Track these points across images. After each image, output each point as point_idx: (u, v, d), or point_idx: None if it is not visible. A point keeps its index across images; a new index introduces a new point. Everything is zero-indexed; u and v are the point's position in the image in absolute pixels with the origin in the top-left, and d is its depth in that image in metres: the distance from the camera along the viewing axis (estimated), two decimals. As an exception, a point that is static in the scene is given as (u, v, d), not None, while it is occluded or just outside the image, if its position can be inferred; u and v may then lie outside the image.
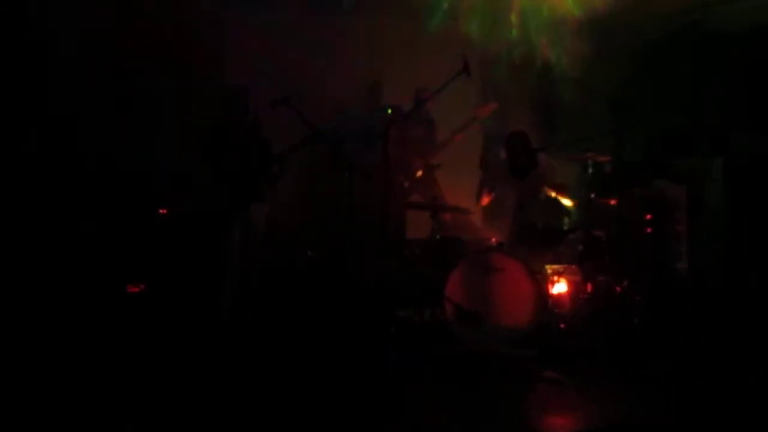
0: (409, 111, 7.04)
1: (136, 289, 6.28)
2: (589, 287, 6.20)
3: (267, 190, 6.20)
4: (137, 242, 6.41)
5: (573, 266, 6.34)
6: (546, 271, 6.28)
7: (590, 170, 6.33)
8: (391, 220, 6.16)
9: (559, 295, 6.24)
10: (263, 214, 6.16)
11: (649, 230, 6.58)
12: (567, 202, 6.49)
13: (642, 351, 5.71)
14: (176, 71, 6.80)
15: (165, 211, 6.41)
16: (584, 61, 7.05)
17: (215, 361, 5.54)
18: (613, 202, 6.37)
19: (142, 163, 6.66)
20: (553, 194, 6.50)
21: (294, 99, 5.89)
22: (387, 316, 5.97)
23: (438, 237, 6.48)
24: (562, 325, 6.06)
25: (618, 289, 6.17)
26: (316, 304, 6.46)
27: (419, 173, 7.63)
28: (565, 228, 6.44)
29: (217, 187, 6.01)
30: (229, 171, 6.01)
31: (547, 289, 6.16)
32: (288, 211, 6.72)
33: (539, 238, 6.34)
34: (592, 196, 6.35)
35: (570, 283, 6.30)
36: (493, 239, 6.46)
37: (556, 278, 6.28)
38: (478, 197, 6.98)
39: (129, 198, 6.56)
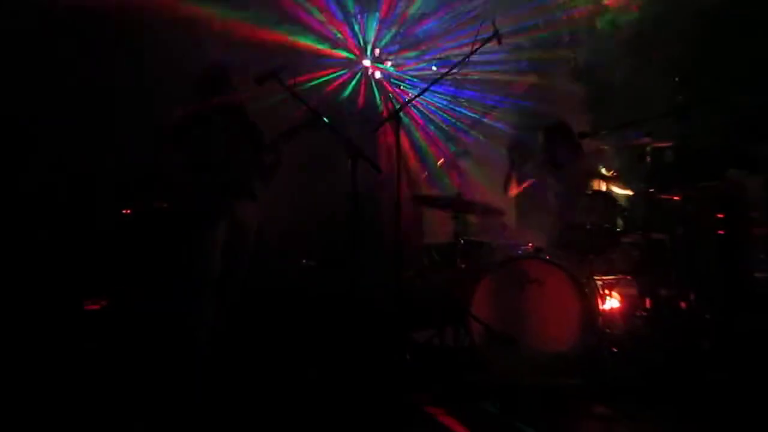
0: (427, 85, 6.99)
1: (96, 306, 6.27)
2: (648, 303, 6.23)
3: (258, 185, 6.05)
4: (96, 250, 6.43)
5: (628, 277, 6.37)
6: (595, 282, 6.22)
7: (648, 159, 6.29)
8: (406, 221, 6.07)
9: (611, 313, 6.24)
10: (255, 216, 6.02)
11: (721, 232, 6.54)
12: (620, 191, 6.50)
13: (713, 382, 5.54)
14: (140, 46, 6.87)
15: (129, 212, 6.24)
16: (643, 24, 7.10)
17: (188, 395, 5.48)
18: (676, 198, 6.33)
19: (100, 157, 6.67)
20: (604, 186, 6.49)
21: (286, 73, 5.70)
22: (400, 340, 5.90)
23: (462, 241, 6.42)
24: (614, 350, 5.99)
25: (683, 304, 6.14)
26: (313, 326, 6.45)
27: (440, 161, 7.58)
28: (619, 230, 6.31)
29: (194, 182, 5.85)
30: (207, 162, 5.84)
31: (597, 305, 6.09)
32: (276, 211, 6.56)
33: (587, 242, 6.25)
34: (651, 190, 6.32)
35: (624, 297, 6.33)
36: (530, 244, 6.40)
37: (607, 291, 6.25)
38: (506, 186, 7.01)
39: (85, 198, 6.59)
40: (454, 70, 6.72)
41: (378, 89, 7.83)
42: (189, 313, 5.77)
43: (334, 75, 7.57)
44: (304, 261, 6.87)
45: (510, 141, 7.54)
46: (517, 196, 7.05)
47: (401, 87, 7.60)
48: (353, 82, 7.75)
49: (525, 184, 6.94)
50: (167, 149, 5.99)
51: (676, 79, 7.01)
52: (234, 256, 5.83)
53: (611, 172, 6.51)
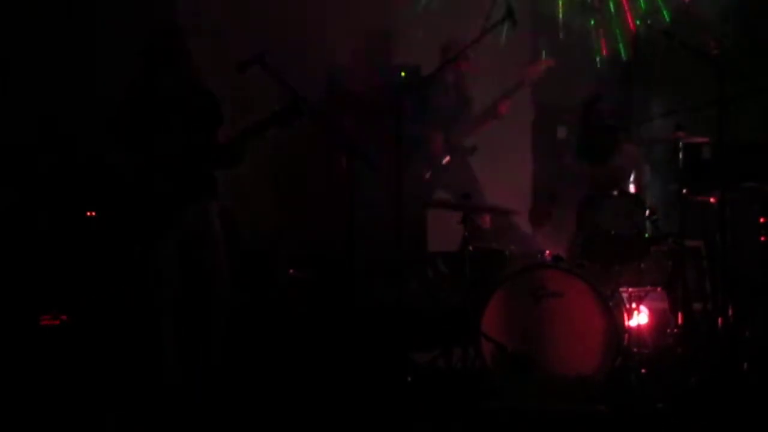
0: (431, 72, 7.05)
1: (55, 322, 6.23)
2: (680, 318, 6.24)
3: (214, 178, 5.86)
4: (56, 257, 6.40)
5: (658, 289, 6.34)
6: (621, 296, 6.23)
7: (681, 156, 6.30)
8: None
9: (640, 330, 6.24)
10: (216, 216, 5.84)
11: (763, 239, 6.50)
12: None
13: (753, 407, 5.56)
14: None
15: (94, 214, 6.26)
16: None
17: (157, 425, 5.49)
18: (713, 200, 6.33)
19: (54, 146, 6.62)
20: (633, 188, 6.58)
21: (273, 60, 5.72)
22: (401, 360, 5.92)
23: (471, 249, 6.40)
24: (642, 371, 6.01)
25: (720, 320, 6.08)
26: (301, 346, 6.43)
27: (446, 159, 7.61)
28: (648, 236, 6.35)
29: (134, 182, 5.66)
30: (151, 155, 5.61)
31: (623, 322, 6.10)
32: (260, 215, 6.60)
33: (612, 250, 6.26)
34: (685, 191, 6.33)
35: (654, 312, 6.33)
36: (548, 252, 6.40)
37: (634, 306, 6.25)
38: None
39: (41, 199, 6.56)
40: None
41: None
42: (148, 341, 5.71)
43: None
44: (291, 271, 6.89)
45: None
46: (535, 195, 7.08)
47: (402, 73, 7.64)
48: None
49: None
50: (106, 141, 5.79)
51: (717, 65, 7.05)
52: (198, 272, 5.70)
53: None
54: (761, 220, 6.49)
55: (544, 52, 7.88)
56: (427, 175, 7.57)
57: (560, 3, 7.62)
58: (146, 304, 5.68)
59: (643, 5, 7.39)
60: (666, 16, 7.46)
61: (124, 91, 5.72)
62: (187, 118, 5.66)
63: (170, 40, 5.70)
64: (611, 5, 7.52)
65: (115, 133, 5.68)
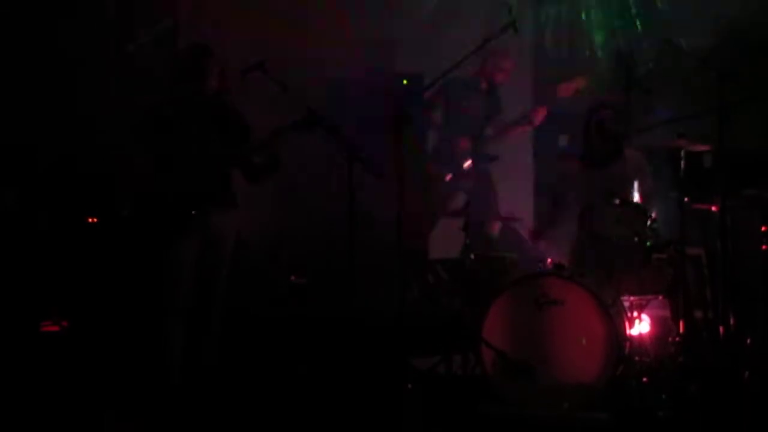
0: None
1: (55, 328, 6.22)
2: (682, 326, 6.18)
3: (235, 191, 6.01)
4: (56, 263, 6.40)
5: (660, 297, 6.35)
6: (622, 304, 6.24)
7: (683, 163, 6.26)
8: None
9: (641, 338, 6.24)
10: (234, 226, 5.98)
11: (765, 247, 6.44)
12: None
13: (754, 415, 5.57)
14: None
15: (95, 220, 6.25)
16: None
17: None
18: (714, 208, 6.33)
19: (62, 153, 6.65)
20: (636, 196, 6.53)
21: (274, 67, 5.79)
22: (402, 367, 5.90)
23: (472, 256, 6.44)
24: (644, 379, 6.00)
25: (722, 329, 6.09)
26: (303, 353, 6.42)
27: (467, 164, 7.63)
28: (649, 244, 6.34)
29: (160, 188, 5.79)
30: (178, 162, 5.77)
31: (624, 329, 6.10)
32: (260, 221, 6.60)
33: (614, 258, 6.27)
34: (686, 199, 6.30)
35: (655, 320, 6.33)
36: (549, 259, 6.41)
37: (636, 314, 6.25)
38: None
39: (42, 204, 6.57)
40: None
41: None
42: (156, 343, 5.74)
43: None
44: (293, 278, 6.86)
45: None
46: (537, 204, 7.06)
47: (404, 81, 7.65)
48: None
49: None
50: (131, 147, 5.93)
51: (719, 72, 7.04)
52: (209, 275, 5.80)
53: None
54: (762, 228, 6.43)
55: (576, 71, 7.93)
56: (448, 178, 7.59)
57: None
58: (158, 304, 5.74)
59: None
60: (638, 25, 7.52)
61: (151, 101, 5.93)
62: (208, 130, 5.81)
63: (198, 58, 5.86)
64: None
65: (140, 139, 5.85)
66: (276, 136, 5.84)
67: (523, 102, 7.92)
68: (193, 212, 5.74)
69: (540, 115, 7.67)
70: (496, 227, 6.97)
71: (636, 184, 6.61)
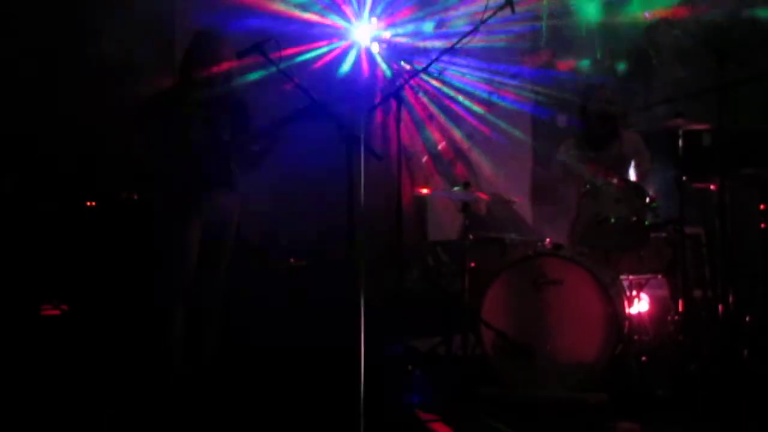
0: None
1: (56, 312, 6.23)
2: (681, 305, 6.21)
3: (238, 173, 6.01)
4: (56, 247, 6.39)
5: (658, 276, 6.38)
6: (621, 283, 6.27)
7: (681, 142, 6.26)
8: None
9: (640, 317, 6.26)
10: (236, 208, 5.98)
11: (763, 226, 6.43)
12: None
13: (754, 395, 5.53)
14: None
15: (95, 204, 6.25)
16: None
17: (161, 417, 5.48)
18: (713, 187, 6.34)
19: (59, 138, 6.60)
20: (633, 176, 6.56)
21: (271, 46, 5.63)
22: (401, 349, 5.89)
23: (471, 237, 6.43)
24: (643, 359, 6.04)
25: (721, 307, 5.95)
26: (302, 336, 6.41)
27: (441, 145, 7.64)
28: (648, 223, 6.35)
29: (164, 169, 5.80)
30: (182, 145, 5.76)
31: (623, 309, 6.11)
32: (259, 203, 6.60)
33: (613, 238, 6.30)
34: (684, 178, 6.29)
35: (654, 299, 6.34)
36: (548, 239, 6.45)
37: (635, 293, 6.28)
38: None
39: (42, 187, 6.56)
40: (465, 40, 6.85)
41: (376, 62, 7.86)
42: (158, 326, 5.73)
43: (326, 49, 7.61)
44: (292, 260, 6.85)
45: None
46: (534, 185, 7.07)
47: (401, 62, 7.61)
48: (350, 56, 7.78)
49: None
50: (136, 129, 5.92)
51: (717, 50, 7.03)
52: (212, 258, 5.80)
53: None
54: (761, 206, 6.43)
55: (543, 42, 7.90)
56: (424, 159, 7.57)
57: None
58: (160, 286, 5.73)
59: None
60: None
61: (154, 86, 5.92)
62: (212, 114, 5.79)
63: (206, 43, 5.83)
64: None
65: (145, 123, 5.84)
66: (279, 126, 5.80)
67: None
68: (198, 194, 5.73)
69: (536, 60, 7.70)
70: (482, 206, 6.92)
71: (634, 164, 6.66)
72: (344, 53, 7.72)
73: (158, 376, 5.68)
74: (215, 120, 5.84)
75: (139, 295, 6.15)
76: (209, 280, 5.82)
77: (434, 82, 7.59)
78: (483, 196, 6.57)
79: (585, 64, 7.88)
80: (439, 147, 7.63)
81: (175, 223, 5.72)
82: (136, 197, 6.50)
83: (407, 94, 7.39)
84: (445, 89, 7.75)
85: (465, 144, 7.67)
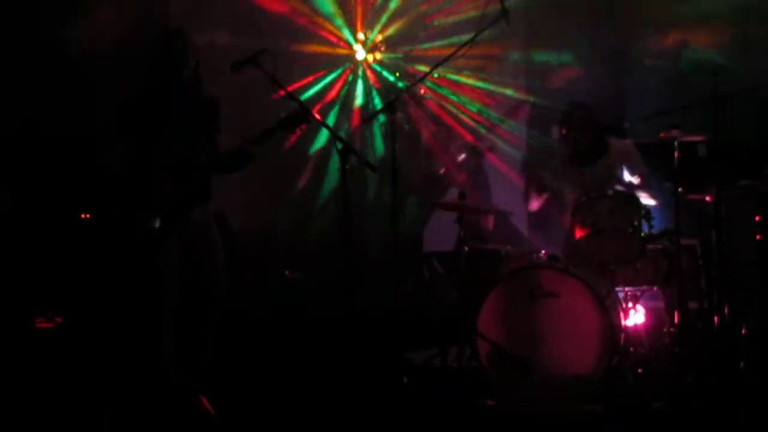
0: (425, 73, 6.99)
1: (49, 325, 6.22)
2: (677, 317, 6.22)
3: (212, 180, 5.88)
4: (50, 259, 6.41)
5: (654, 288, 6.41)
6: (617, 295, 6.27)
7: (677, 154, 6.26)
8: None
9: (636, 329, 6.28)
10: (211, 217, 5.87)
11: (759, 237, 6.49)
12: (648, 200, 6.54)
13: (750, 406, 5.55)
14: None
15: (89, 216, 6.27)
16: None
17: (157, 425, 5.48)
18: (709, 198, 6.34)
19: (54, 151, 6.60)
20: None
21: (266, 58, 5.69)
22: (397, 360, 5.90)
23: (467, 249, 6.44)
24: (639, 370, 6.05)
25: (716, 319, 6.14)
26: (297, 346, 6.42)
27: (461, 157, 7.64)
28: (644, 235, 6.37)
29: (136, 182, 5.67)
30: (154, 155, 5.64)
31: (620, 321, 6.12)
32: (255, 215, 6.61)
33: (608, 250, 6.30)
34: (680, 190, 6.31)
35: (650, 311, 6.39)
36: (543, 251, 6.46)
37: (630, 305, 6.30)
38: (526, 198, 7.01)
39: (36, 200, 6.55)
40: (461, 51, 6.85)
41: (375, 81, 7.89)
42: (148, 338, 5.69)
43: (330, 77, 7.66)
44: (287, 272, 6.84)
45: (522, 164, 7.56)
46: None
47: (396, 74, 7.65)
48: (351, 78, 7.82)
49: (545, 197, 6.95)
50: (107, 140, 5.82)
51: (713, 64, 7.07)
52: (200, 270, 5.72)
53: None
54: (757, 218, 6.48)
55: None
56: (441, 171, 7.60)
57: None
58: (148, 304, 5.67)
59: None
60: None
61: (126, 92, 5.73)
62: (190, 122, 5.67)
63: (174, 44, 5.67)
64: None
65: (117, 134, 5.74)
66: (268, 135, 5.72)
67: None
68: (171, 208, 5.63)
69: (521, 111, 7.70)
70: (490, 220, 6.97)
71: (627, 170, 6.68)
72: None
73: (153, 387, 5.65)
74: (189, 132, 5.70)
75: (129, 310, 6.15)
76: (203, 293, 5.75)
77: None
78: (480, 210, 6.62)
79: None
80: (459, 159, 7.66)
81: (154, 237, 5.60)
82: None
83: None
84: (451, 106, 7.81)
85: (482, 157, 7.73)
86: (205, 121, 5.75)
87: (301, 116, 5.64)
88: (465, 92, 8.02)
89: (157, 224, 5.53)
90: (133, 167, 5.60)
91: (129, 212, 5.64)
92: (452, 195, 7.45)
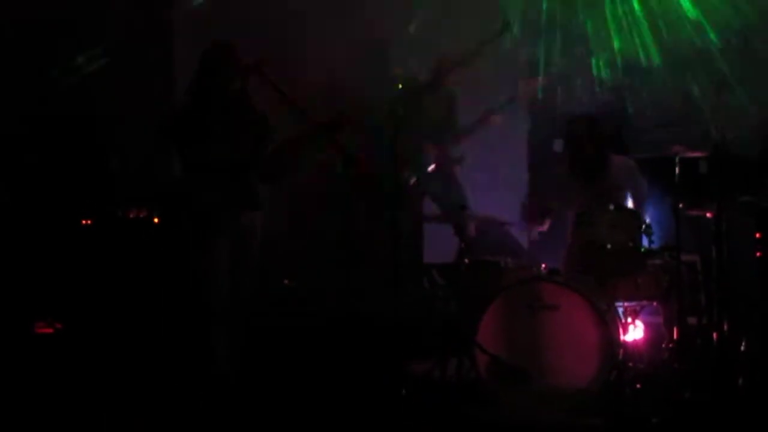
0: (424, 83, 6.97)
1: (49, 330, 6.23)
2: (676, 332, 6.23)
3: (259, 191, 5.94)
4: (49, 264, 6.40)
5: (653, 303, 6.39)
6: (616, 309, 6.27)
7: (678, 170, 6.27)
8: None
9: (635, 344, 6.27)
10: (258, 226, 5.93)
11: (759, 254, 6.49)
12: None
13: (749, 423, 5.59)
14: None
15: (89, 221, 6.27)
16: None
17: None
18: (709, 214, 6.34)
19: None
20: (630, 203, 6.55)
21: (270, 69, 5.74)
22: (395, 372, 5.88)
23: (467, 261, 6.45)
24: (638, 385, 6.03)
25: (715, 335, 6.11)
26: (296, 357, 6.39)
27: (431, 167, 7.65)
28: (644, 250, 6.39)
29: (191, 186, 5.75)
30: (209, 162, 5.72)
31: (619, 335, 6.12)
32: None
33: (608, 264, 6.30)
34: (681, 206, 6.31)
35: (649, 326, 6.38)
36: (543, 264, 6.44)
37: (630, 320, 6.29)
38: (528, 218, 6.93)
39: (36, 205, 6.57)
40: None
41: None
42: (191, 351, 5.74)
43: None
44: (286, 281, 6.83)
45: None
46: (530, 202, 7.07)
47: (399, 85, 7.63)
48: None
49: (548, 222, 6.90)
50: (156, 148, 5.97)
51: (714, 77, 7.06)
52: (239, 278, 5.75)
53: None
54: (757, 234, 6.48)
55: (540, 69, 7.87)
56: (412, 181, 7.51)
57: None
58: (196, 310, 5.71)
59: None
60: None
61: (175, 102, 5.90)
62: (235, 130, 5.74)
63: (223, 56, 5.76)
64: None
65: (168, 141, 5.85)
66: (298, 143, 5.78)
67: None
68: (223, 212, 5.70)
69: (494, 120, 7.61)
70: (471, 228, 6.91)
71: (629, 190, 6.69)
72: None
73: (198, 390, 5.66)
74: (234, 136, 5.77)
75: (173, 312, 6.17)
76: (238, 300, 5.78)
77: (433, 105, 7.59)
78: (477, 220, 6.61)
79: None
80: (429, 169, 7.61)
81: (201, 242, 5.68)
82: (142, 215, 6.47)
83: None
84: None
85: (456, 167, 7.68)
86: (251, 133, 5.80)
87: (338, 122, 5.65)
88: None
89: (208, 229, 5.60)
90: (181, 174, 5.72)
91: (178, 216, 5.77)
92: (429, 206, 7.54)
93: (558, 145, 7.02)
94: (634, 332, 6.25)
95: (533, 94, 7.55)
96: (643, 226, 6.37)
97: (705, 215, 6.37)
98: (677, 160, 6.26)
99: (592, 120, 6.82)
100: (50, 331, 6.21)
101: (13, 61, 6.92)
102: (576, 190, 6.77)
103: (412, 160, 7.38)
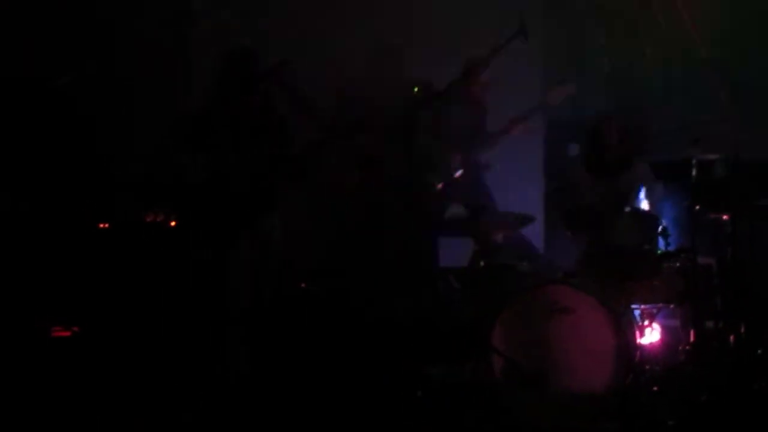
0: (450, 87, 6.98)
1: (66, 333, 6.24)
2: (692, 336, 6.23)
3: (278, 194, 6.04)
4: (66, 268, 6.42)
5: (670, 306, 6.36)
6: (632, 312, 6.27)
7: (695, 172, 6.28)
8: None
9: (651, 347, 6.27)
10: (276, 227, 6.05)
11: None
12: None
13: (765, 426, 5.58)
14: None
15: (106, 226, 6.30)
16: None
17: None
18: (726, 216, 6.33)
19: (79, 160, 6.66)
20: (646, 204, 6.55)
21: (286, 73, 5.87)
22: (411, 376, 5.92)
23: (482, 264, 6.47)
24: (654, 389, 6.03)
25: (732, 338, 6.12)
26: (312, 360, 6.39)
27: (458, 173, 7.61)
28: (660, 252, 6.38)
29: (212, 189, 5.85)
30: (229, 164, 5.83)
31: (634, 339, 6.10)
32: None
33: (624, 267, 6.29)
34: (698, 208, 6.32)
35: (665, 329, 6.35)
36: (559, 267, 6.52)
37: (646, 323, 6.28)
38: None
39: (54, 209, 6.59)
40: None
41: None
42: (211, 354, 5.80)
43: None
44: (303, 285, 6.86)
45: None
46: (548, 210, 7.09)
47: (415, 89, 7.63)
48: None
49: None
50: (179, 150, 5.97)
51: (732, 80, 7.01)
52: (258, 280, 5.88)
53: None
54: (775, 237, 6.53)
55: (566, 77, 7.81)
56: (439, 186, 7.49)
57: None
58: (217, 311, 5.80)
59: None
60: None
61: (194, 106, 5.96)
62: (256, 133, 5.84)
63: (243, 61, 5.87)
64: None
65: (187, 145, 5.92)
66: (321, 144, 5.89)
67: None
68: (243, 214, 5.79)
69: (521, 129, 7.61)
70: (499, 235, 6.93)
71: (644, 192, 6.67)
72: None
73: (214, 391, 5.73)
74: (253, 141, 5.86)
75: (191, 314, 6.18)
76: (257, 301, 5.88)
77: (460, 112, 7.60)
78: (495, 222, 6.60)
79: None
80: (456, 175, 7.52)
81: (226, 245, 5.78)
82: (159, 219, 6.48)
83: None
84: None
85: (483, 173, 7.68)
86: (270, 137, 5.89)
87: (359, 123, 5.72)
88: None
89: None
90: (199, 178, 5.83)
91: (195, 220, 5.85)
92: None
93: (573, 150, 7.00)
94: (651, 335, 6.26)
95: (563, 102, 7.53)
96: (660, 229, 6.36)
97: (721, 218, 6.35)
98: (694, 162, 6.26)
99: (620, 119, 6.85)
100: (67, 334, 6.25)
101: (36, 69, 7.02)
102: (595, 192, 6.74)
103: (438, 165, 7.42)
